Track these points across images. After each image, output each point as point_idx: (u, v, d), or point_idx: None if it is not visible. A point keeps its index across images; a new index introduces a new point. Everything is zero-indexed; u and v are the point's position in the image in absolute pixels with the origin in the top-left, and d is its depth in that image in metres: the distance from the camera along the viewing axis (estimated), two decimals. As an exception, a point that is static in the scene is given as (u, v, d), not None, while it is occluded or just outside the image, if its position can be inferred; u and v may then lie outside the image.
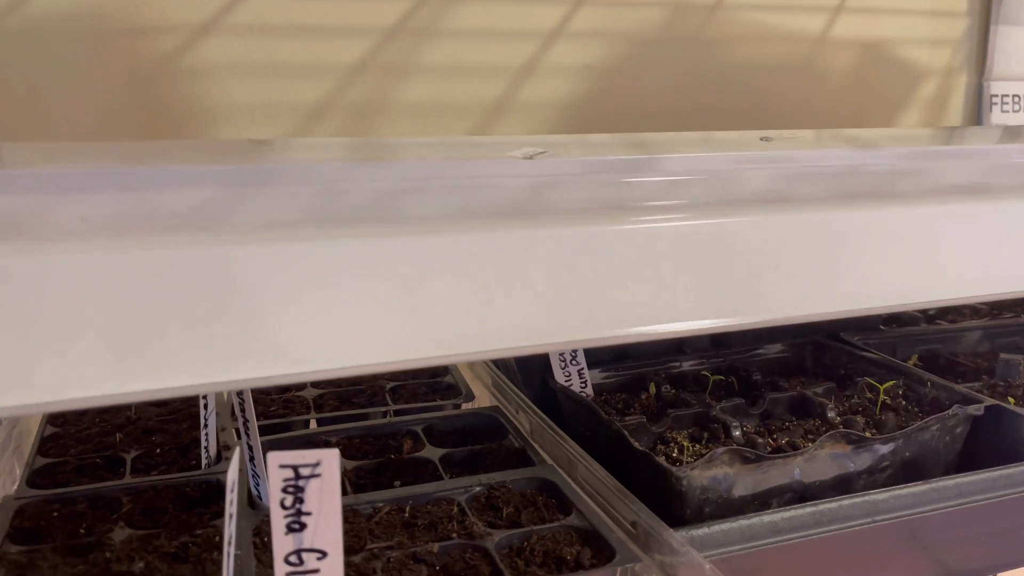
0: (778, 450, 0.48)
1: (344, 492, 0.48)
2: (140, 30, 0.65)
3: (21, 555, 0.43)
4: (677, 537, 0.40)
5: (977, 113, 0.95)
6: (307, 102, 0.70)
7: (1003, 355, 0.63)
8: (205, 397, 0.51)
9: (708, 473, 0.44)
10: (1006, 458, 0.49)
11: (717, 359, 0.62)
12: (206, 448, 0.51)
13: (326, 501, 0.33)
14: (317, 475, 0.32)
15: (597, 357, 0.60)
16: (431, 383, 0.65)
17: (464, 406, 0.61)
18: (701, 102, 0.83)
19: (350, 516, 0.46)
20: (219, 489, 0.49)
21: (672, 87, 0.82)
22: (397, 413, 0.60)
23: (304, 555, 0.33)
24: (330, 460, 0.32)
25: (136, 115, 0.66)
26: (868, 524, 0.44)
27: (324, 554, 0.33)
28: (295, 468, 0.32)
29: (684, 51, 0.81)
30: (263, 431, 0.53)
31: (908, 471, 0.49)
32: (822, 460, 0.47)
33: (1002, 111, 0.95)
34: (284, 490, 0.32)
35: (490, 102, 0.76)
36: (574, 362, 0.57)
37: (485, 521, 0.44)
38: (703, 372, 0.60)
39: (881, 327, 0.70)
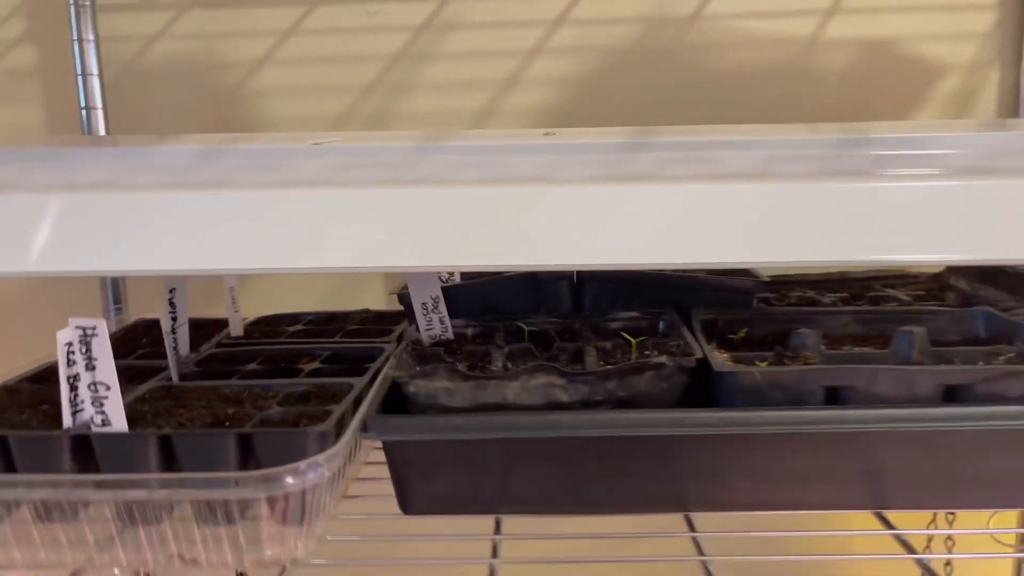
0: (511, 375, 0.59)
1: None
2: (219, 65, 0.92)
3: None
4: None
5: (1015, 109, 0.91)
6: (333, 113, 0.93)
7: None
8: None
9: (431, 385, 0.58)
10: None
11: (567, 320, 0.72)
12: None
13: (103, 353, 0.54)
14: (96, 335, 0.54)
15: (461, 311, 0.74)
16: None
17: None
18: (681, 111, 0.92)
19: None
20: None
21: (649, 95, 0.91)
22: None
23: (97, 385, 0.55)
24: (102, 325, 0.54)
25: (218, 125, 0.94)
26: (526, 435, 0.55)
27: (108, 387, 0.55)
28: (84, 328, 0.54)
29: (660, 60, 0.91)
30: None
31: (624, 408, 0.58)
32: (535, 388, 0.58)
33: (1046, 106, 0.89)
34: (80, 340, 0.54)
35: (478, 110, 0.92)
36: (436, 311, 0.72)
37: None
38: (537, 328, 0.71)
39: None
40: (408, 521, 0.59)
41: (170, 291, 0.75)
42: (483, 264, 0.63)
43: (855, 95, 0.90)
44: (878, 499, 0.56)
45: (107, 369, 0.55)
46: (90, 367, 0.55)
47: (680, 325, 0.66)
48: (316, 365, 0.71)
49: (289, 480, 0.50)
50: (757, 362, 0.60)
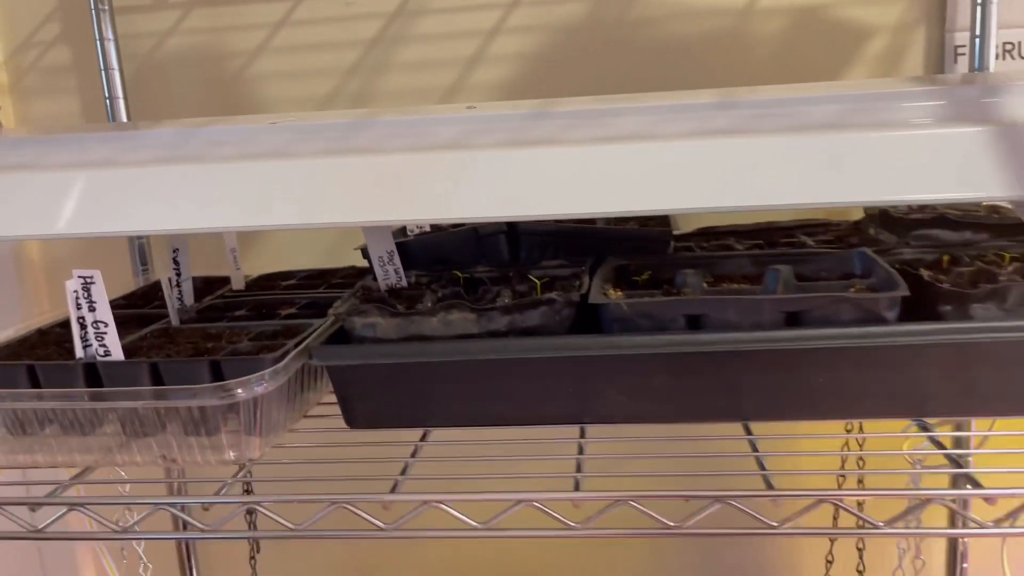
0: (429, 311, 0.71)
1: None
2: (224, 55, 1.06)
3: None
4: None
5: (941, 66, 0.97)
6: (320, 95, 1.05)
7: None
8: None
9: (364, 320, 0.70)
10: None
11: (502, 269, 0.82)
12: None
13: (101, 297, 0.68)
14: (94, 283, 0.68)
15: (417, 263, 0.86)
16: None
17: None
18: (629, 79, 1.01)
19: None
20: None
21: (599, 66, 1.01)
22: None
23: (98, 323, 0.69)
24: (98, 275, 0.68)
25: (224, 109, 1.07)
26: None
27: (106, 324, 0.69)
28: (84, 278, 0.68)
29: (608, 34, 1.00)
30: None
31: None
32: (453, 322, 0.69)
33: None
34: (82, 287, 0.68)
35: (448, 86, 1.03)
36: (391, 263, 0.84)
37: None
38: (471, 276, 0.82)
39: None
40: (352, 434, 0.72)
41: (174, 251, 0.89)
42: (411, 218, 0.74)
43: (788, 60, 0.98)
44: (735, 412, 0.66)
45: (104, 310, 0.69)
46: (92, 309, 0.69)
47: (588, 271, 0.77)
48: (293, 311, 0.85)
49: (239, 391, 0.63)
50: (645, 298, 0.70)
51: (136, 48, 1.06)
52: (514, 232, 0.85)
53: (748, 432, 0.67)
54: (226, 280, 0.99)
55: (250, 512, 0.91)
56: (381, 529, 0.57)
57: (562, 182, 0.67)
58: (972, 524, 0.53)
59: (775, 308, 0.64)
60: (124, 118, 1.02)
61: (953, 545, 1.02)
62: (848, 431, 0.88)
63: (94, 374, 0.70)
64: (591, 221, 0.88)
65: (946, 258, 0.72)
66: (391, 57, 1.03)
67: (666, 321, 0.65)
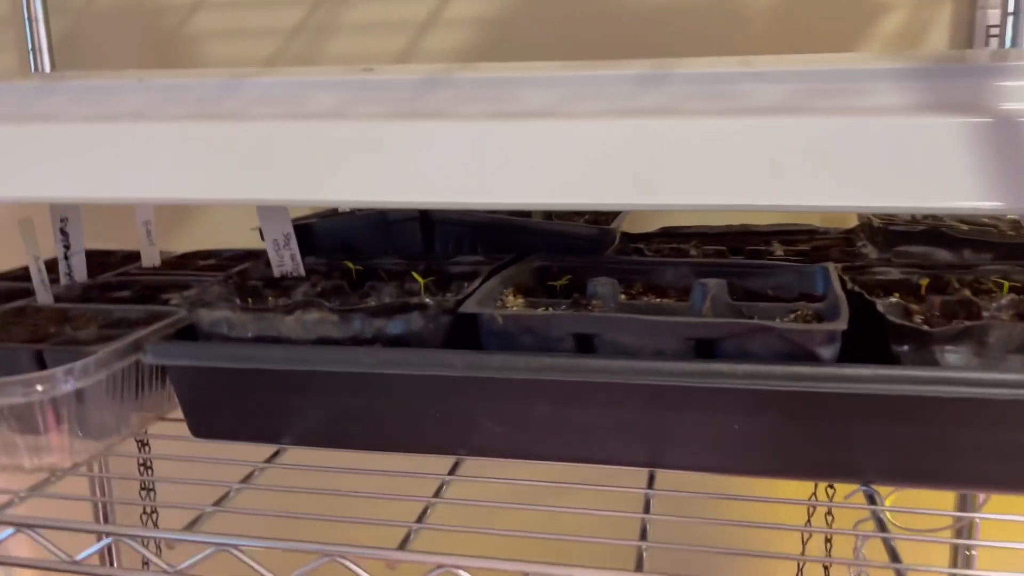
0: (285, 309, 0.59)
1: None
2: (159, 10, 0.97)
3: None
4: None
5: (970, 46, 0.81)
6: (262, 56, 0.95)
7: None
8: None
9: (214, 314, 0.60)
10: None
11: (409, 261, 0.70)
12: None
13: None
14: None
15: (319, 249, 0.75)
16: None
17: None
18: (602, 53, 0.88)
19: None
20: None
21: (565, 32, 0.88)
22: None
23: None
24: None
25: (157, 65, 0.98)
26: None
27: None
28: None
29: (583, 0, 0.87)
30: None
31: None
32: (312, 323, 0.58)
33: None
34: None
35: (398, 52, 0.92)
36: (287, 247, 0.73)
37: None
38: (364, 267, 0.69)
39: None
40: (202, 445, 0.61)
41: (61, 220, 0.80)
42: (271, 198, 0.63)
43: (786, 35, 0.83)
44: (628, 455, 0.53)
45: (-83, 284, 0.60)
46: (-95, 282, 0.60)
47: (491, 271, 0.65)
48: (174, 300, 0.75)
49: (20, 388, 0.53)
50: (543, 309, 0.58)
51: (71, 1, 0.98)
52: (428, 221, 0.73)
53: (650, 483, 0.54)
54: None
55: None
56: (166, 573, 0.47)
57: (442, 163, 0.55)
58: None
59: (680, 334, 0.51)
60: (47, 70, 0.94)
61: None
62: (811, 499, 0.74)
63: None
64: (524, 212, 0.75)
65: (925, 282, 0.57)
66: (338, 18, 0.92)
67: (552, 340, 0.53)
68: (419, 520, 0.50)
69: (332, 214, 0.78)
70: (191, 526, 0.50)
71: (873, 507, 0.49)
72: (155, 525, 0.88)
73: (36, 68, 0.94)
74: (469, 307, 0.54)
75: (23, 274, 0.85)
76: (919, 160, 0.48)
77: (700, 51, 0.85)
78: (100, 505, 0.95)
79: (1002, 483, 0.49)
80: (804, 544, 0.74)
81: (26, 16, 0.93)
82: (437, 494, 0.53)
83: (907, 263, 0.63)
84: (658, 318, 0.51)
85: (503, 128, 0.55)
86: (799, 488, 0.72)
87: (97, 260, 0.92)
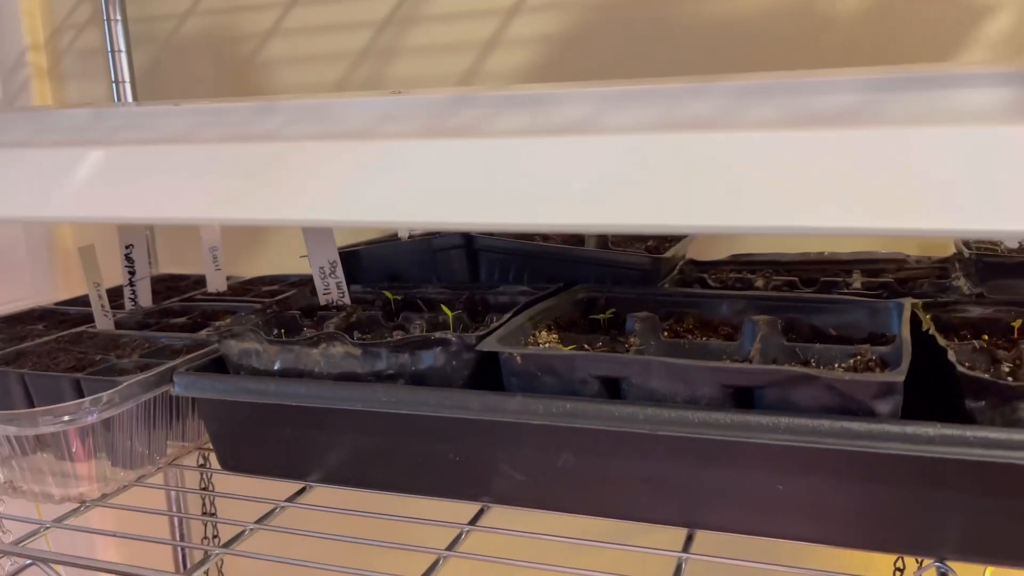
0: (311, 342, 0.57)
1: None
2: (235, 38, 0.98)
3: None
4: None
5: (1093, 51, 0.71)
6: (331, 80, 0.95)
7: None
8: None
9: (242, 345, 0.58)
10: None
11: (455, 290, 0.67)
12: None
13: None
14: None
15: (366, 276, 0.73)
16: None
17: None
18: (673, 66, 0.83)
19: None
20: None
21: (632, 48, 0.83)
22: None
23: (-36, 323, 0.62)
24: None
25: (235, 89, 1.00)
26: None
27: (-29, 325, 0.61)
28: None
29: (645, 11, 0.82)
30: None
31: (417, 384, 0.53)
32: (336, 357, 0.56)
33: None
34: None
35: (462, 72, 0.90)
36: (333, 275, 0.71)
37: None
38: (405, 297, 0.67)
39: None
40: (230, 478, 0.60)
41: (127, 247, 0.82)
42: (298, 219, 0.61)
43: (874, 44, 0.76)
44: (659, 513, 0.48)
45: (-27, 314, 0.62)
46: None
47: (530, 303, 0.61)
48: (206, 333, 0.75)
49: (49, 418, 0.53)
50: (586, 346, 0.54)
51: (157, 31, 1.01)
52: (471, 248, 0.70)
53: (686, 546, 0.49)
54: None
55: None
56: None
57: (465, 182, 0.52)
58: None
59: (714, 380, 0.45)
60: (129, 99, 0.97)
61: None
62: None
63: (-25, 380, 0.63)
64: (577, 238, 0.71)
65: (1018, 324, 0.49)
66: (402, 40, 0.91)
67: (574, 382, 0.48)
68: (430, 571, 0.46)
69: (375, 242, 0.76)
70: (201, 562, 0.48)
71: (944, 587, 0.42)
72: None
73: (119, 97, 0.97)
74: (488, 345, 0.51)
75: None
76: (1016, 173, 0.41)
77: (781, 63, 0.79)
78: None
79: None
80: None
81: (109, 48, 0.96)
82: (453, 545, 0.49)
83: (1003, 300, 0.54)
84: (689, 362, 0.46)
85: (528, 144, 0.52)
86: (856, 560, 0.64)
87: (169, 284, 0.94)
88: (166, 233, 1.05)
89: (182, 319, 0.77)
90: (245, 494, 0.59)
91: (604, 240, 0.71)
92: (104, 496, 0.58)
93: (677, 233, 0.61)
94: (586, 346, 0.54)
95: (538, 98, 0.57)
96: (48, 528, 0.54)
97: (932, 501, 0.42)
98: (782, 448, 0.43)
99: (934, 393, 0.45)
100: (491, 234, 0.69)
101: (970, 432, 0.40)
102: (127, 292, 0.81)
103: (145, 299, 0.83)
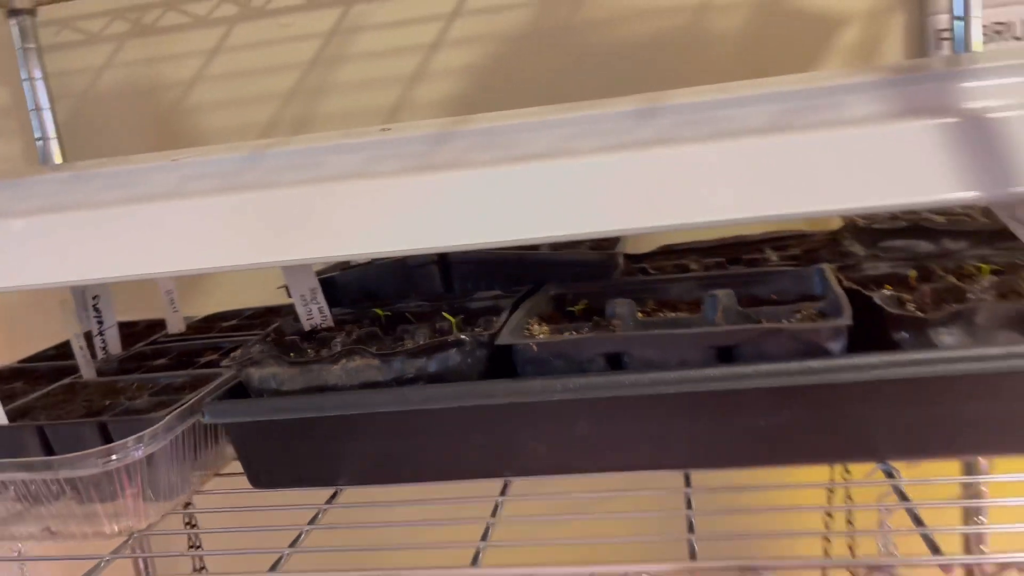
0: (331, 359, 0.64)
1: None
2: (158, 87, 1.01)
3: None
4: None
5: (924, 52, 0.87)
6: (261, 121, 1.00)
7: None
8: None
9: (260, 372, 0.64)
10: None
11: (432, 302, 0.75)
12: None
13: None
14: None
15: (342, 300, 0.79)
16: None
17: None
18: (581, 85, 0.93)
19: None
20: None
21: (546, 75, 0.94)
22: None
23: None
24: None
25: (161, 140, 1.02)
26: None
27: None
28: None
29: (555, 40, 0.93)
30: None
31: (438, 386, 0.62)
32: (356, 370, 0.63)
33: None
34: None
35: (390, 105, 0.97)
36: (314, 301, 0.78)
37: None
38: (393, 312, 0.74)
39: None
40: (260, 494, 0.65)
41: (93, 298, 0.84)
42: (311, 257, 0.67)
43: (752, 57, 0.90)
44: (666, 460, 0.58)
45: (-22, 374, 0.64)
46: (-33, 372, 0.64)
47: (514, 304, 0.69)
48: (214, 357, 0.79)
49: (97, 459, 0.57)
50: (569, 333, 0.63)
51: (72, 85, 1.02)
52: (445, 262, 0.78)
53: (687, 483, 0.59)
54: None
55: None
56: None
57: (465, 210, 0.60)
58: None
59: (702, 343, 0.56)
60: (56, 159, 0.98)
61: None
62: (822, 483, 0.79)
63: (-19, 440, 0.65)
64: (532, 246, 0.80)
65: (913, 274, 0.63)
66: (330, 78, 0.97)
67: (583, 361, 0.58)
68: (483, 539, 0.54)
69: (351, 266, 0.82)
70: (274, 568, 0.54)
71: (893, 481, 0.54)
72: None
73: (45, 157, 0.98)
74: (504, 339, 0.59)
75: (56, 352, 0.89)
76: (899, 162, 0.54)
77: (675, 77, 0.91)
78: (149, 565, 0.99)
79: (1002, 447, 0.54)
80: (826, 525, 0.78)
81: (32, 106, 0.97)
82: (494, 514, 0.57)
83: (894, 257, 0.68)
84: (681, 331, 0.56)
85: (517, 170, 0.60)
86: (818, 473, 0.77)
87: (125, 331, 0.95)
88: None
89: (163, 360, 0.81)
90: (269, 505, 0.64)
91: (554, 246, 0.81)
92: (149, 527, 0.62)
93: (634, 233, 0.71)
94: (575, 333, 0.63)
95: (499, 131, 0.66)
96: (109, 561, 0.58)
97: (877, 415, 0.54)
98: (763, 391, 0.54)
99: (857, 335, 0.57)
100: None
101: (903, 356, 0.52)
102: (97, 342, 0.84)
103: (115, 346, 0.85)
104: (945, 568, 0.44)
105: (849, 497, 0.78)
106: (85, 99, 1.02)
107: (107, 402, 0.68)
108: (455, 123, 0.68)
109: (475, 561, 0.51)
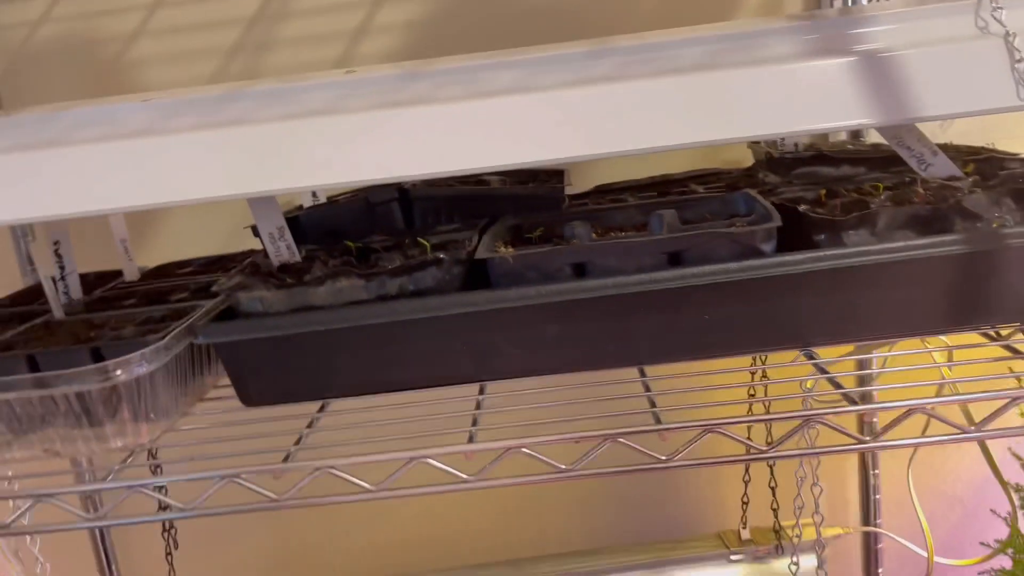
0: (316, 281, 0.69)
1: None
2: (96, 40, 1.02)
3: None
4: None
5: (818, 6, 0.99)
6: (205, 75, 1.03)
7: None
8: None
9: (249, 295, 0.69)
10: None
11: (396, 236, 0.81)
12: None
13: None
14: None
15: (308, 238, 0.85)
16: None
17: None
18: (515, 36, 1.00)
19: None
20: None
21: (485, 27, 1.00)
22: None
23: None
24: None
25: (102, 92, 1.03)
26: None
27: None
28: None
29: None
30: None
31: (418, 302, 0.69)
32: (341, 290, 0.69)
33: None
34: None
35: (335, 59, 1.02)
36: (283, 239, 0.82)
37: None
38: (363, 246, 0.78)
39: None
40: (252, 412, 0.70)
41: (54, 243, 0.86)
42: (288, 187, 0.72)
43: (670, 12, 0.99)
44: (627, 356, 0.66)
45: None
46: (-43, 304, 0.66)
47: (480, 232, 0.76)
48: (185, 295, 0.82)
49: (118, 372, 0.61)
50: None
51: (7, 40, 1.02)
52: (406, 199, 0.84)
53: (642, 375, 0.68)
54: (119, 273, 0.96)
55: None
56: (274, 500, 0.56)
57: (436, 141, 0.67)
58: (851, 440, 0.55)
59: (656, 250, 0.64)
60: (-4, 112, 0.98)
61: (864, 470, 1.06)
62: (752, 367, 0.90)
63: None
64: (484, 184, 0.87)
65: (823, 192, 0.73)
66: (274, 33, 1.01)
67: (552, 271, 0.65)
68: (473, 425, 0.61)
69: (312, 207, 0.87)
70: (287, 459, 0.59)
71: (815, 361, 0.64)
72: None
73: (-17, 109, 0.98)
74: (482, 254, 0.66)
75: (12, 302, 0.90)
76: (810, 93, 0.64)
77: (594, 30, 0.99)
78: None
79: (898, 328, 0.65)
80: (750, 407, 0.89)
81: (-34, 60, 0.96)
82: (477, 407, 0.65)
83: (804, 183, 0.79)
84: (639, 239, 0.65)
85: (480, 105, 0.67)
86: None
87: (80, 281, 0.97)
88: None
89: (131, 300, 0.83)
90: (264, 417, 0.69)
91: (502, 182, 0.88)
92: (151, 442, 0.66)
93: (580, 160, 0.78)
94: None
95: (463, 70, 0.73)
96: (117, 470, 0.62)
97: (801, 305, 0.64)
98: (708, 287, 0.63)
99: (781, 244, 0.66)
100: (417, 185, 0.83)
101: (822, 252, 0.62)
102: (60, 286, 0.85)
103: (76, 292, 0.87)
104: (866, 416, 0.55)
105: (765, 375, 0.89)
106: (21, 55, 1.02)
107: (92, 334, 0.71)
108: (419, 65, 0.75)
109: (470, 440, 0.58)
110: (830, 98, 0.65)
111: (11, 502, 0.58)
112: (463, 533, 1.16)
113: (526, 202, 0.83)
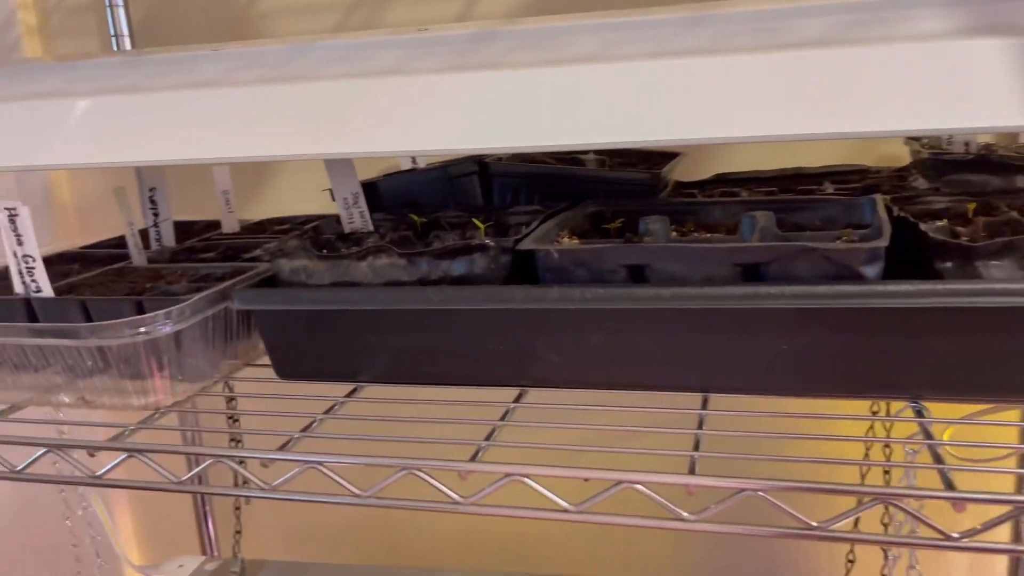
0: (358, 255, 0.63)
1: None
2: (229, -10, 1.02)
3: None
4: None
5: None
6: (327, 28, 1.00)
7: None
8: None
9: (292, 263, 0.65)
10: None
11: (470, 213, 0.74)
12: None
13: (27, 231, 0.66)
14: (18, 215, 0.65)
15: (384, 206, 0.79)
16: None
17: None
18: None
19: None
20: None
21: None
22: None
23: (26, 257, 0.67)
24: (24, 208, 0.65)
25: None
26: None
27: (33, 258, 0.67)
28: (8, 209, 0.66)
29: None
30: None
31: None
32: (382, 268, 0.62)
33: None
34: (8, 219, 0.66)
35: (454, 16, 0.96)
36: (356, 205, 0.77)
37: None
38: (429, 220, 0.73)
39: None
40: (287, 385, 0.67)
41: (150, 190, 0.87)
42: (342, 151, 0.67)
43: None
44: (680, 381, 0.56)
45: (31, 245, 0.66)
46: (20, 243, 0.67)
47: (548, 217, 0.68)
48: (259, 253, 0.80)
49: (126, 329, 0.59)
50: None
51: (148, -14, 1.04)
52: (487, 174, 0.77)
53: (703, 405, 0.57)
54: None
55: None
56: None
57: (505, 110, 0.59)
58: (937, 535, 0.42)
59: (726, 259, 0.53)
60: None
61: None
62: (874, 412, 0.76)
63: (32, 310, 0.68)
64: (578, 163, 0.78)
65: (972, 207, 0.58)
66: (394, -12, 0.96)
67: (604, 271, 0.56)
68: (487, 439, 0.54)
69: (394, 174, 0.82)
70: (283, 447, 0.55)
71: (921, 419, 0.51)
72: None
73: (118, 50, 1.01)
74: (527, 244, 0.58)
75: (118, 242, 0.92)
76: (968, 82, 0.50)
77: None
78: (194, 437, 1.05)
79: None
80: (866, 452, 0.75)
81: (107, 2, 0.99)
82: (503, 419, 0.57)
83: (956, 191, 0.64)
84: (705, 245, 0.54)
85: (553, 72, 0.59)
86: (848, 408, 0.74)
87: (182, 229, 0.98)
88: (171, 183, 1.09)
89: (211, 253, 0.83)
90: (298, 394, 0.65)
91: (602, 163, 0.79)
92: (175, 404, 0.64)
93: (687, 145, 0.68)
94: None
95: (550, 32, 0.64)
96: (134, 430, 0.60)
97: (910, 348, 0.51)
98: (786, 312, 0.51)
99: (908, 268, 0.53)
100: (501, 159, 0.76)
101: (941, 285, 0.48)
102: (152, 233, 0.86)
103: (169, 239, 0.87)
104: (957, 505, 0.42)
105: (875, 430, 0.75)
106: (160, 2, 1.04)
107: (148, 285, 0.71)
108: (497, 24, 0.67)
109: (474, 457, 0.51)
110: (994, 89, 0.50)
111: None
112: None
113: (617, 187, 0.74)
